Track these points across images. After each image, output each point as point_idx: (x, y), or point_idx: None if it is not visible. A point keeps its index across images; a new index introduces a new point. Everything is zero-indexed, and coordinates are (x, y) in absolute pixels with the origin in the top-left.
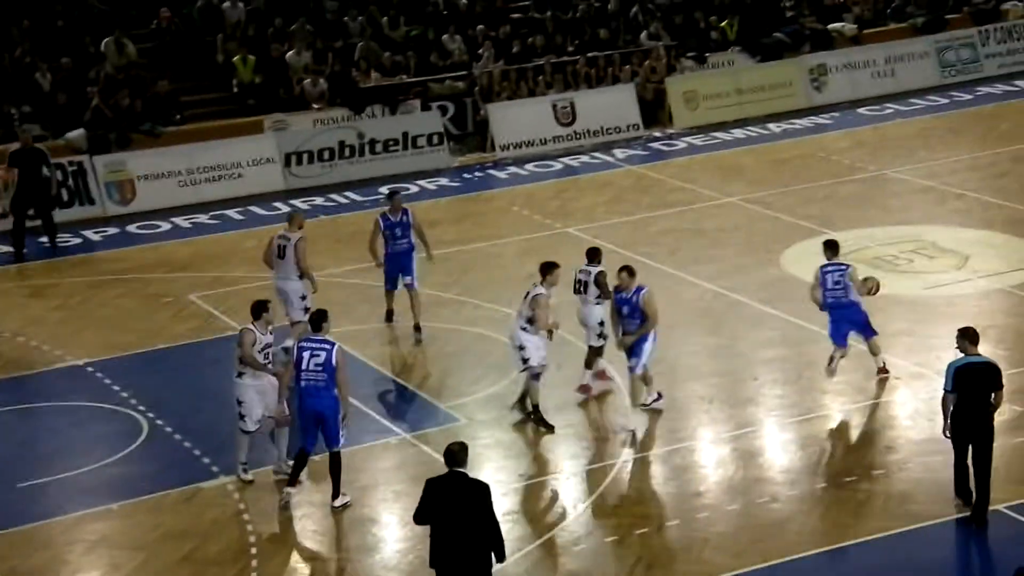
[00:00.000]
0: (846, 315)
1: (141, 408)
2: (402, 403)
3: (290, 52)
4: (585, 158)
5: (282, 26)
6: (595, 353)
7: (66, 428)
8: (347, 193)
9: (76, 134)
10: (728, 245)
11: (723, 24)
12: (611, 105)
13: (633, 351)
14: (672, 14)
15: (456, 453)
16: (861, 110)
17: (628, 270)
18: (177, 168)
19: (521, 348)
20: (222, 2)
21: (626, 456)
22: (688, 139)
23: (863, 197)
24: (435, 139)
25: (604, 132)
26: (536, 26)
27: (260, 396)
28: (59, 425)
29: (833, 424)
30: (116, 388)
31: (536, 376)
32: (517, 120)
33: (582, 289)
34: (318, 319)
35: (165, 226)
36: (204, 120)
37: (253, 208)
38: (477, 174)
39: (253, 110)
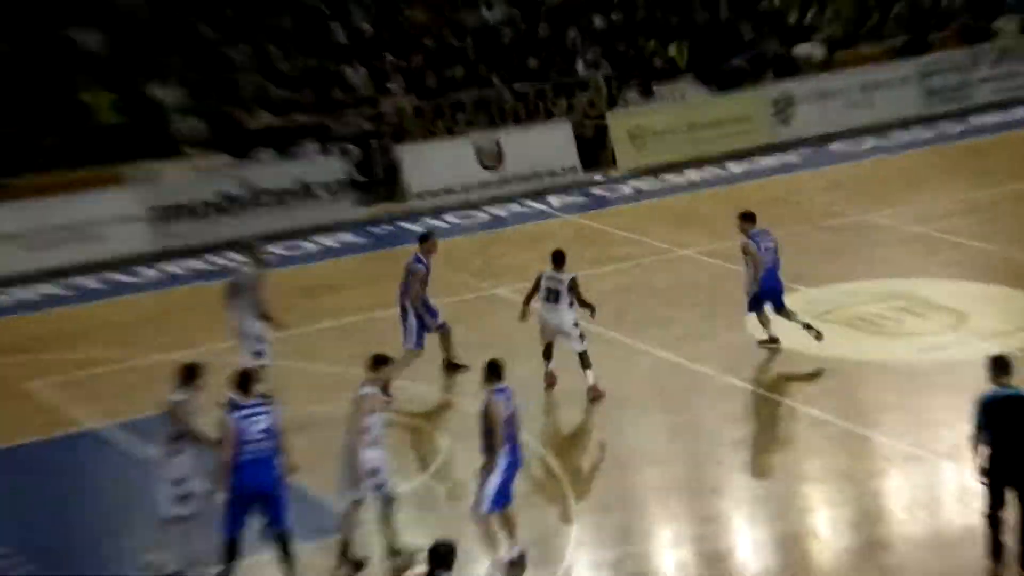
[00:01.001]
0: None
1: None
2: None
3: (160, 88)
4: (515, 207)
5: (150, 57)
6: (584, 358)
7: None
8: (232, 255)
9: None
10: (685, 306)
11: (671, 50)
12: (544, 145)
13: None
14: (613, 39)
15: (444, 556)
16: (835, 146)
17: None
18: (21, 228)
19: (374, 472)
20: (73, 28)
21: (568, 561)
22: (635, 183)
23: (841, 247)
24: (336, 188)
25: (536, 176)
26: (455, 55)
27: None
28: None
29: (815, 518)
30: None
31: (390, 502)
32: (434, 163)
33: (553, 298)
34: (245, 380)
35: (3, 299)
36: (54, 170)
37: (115, 275)
38: (387, 228)
39: (115, 157)
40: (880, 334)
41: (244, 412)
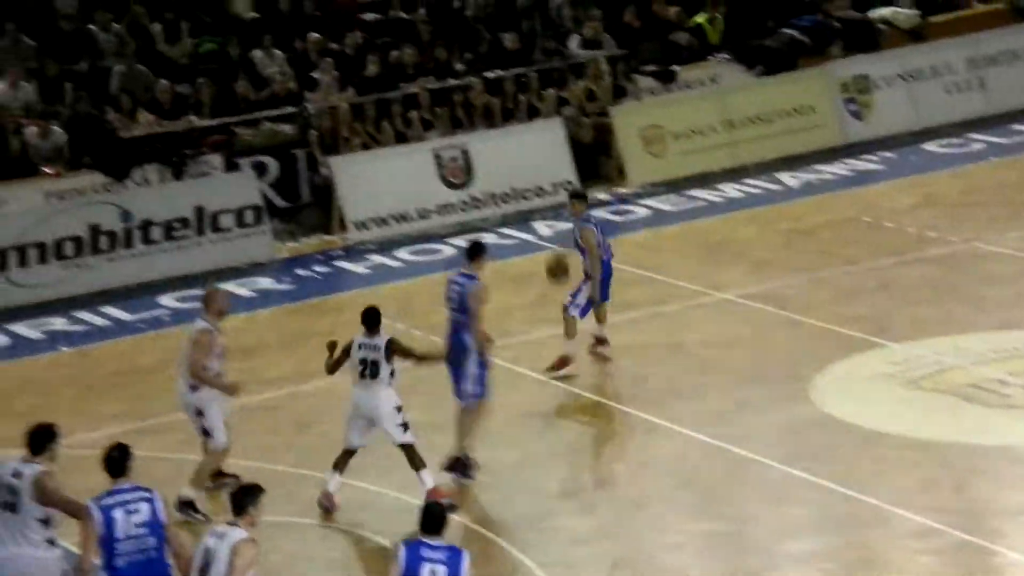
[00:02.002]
0: None
1: None
2: None
3: (1, 84)
4: (490, 237)
5: None
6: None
7: None
8: (105, 309)
9: None
10: (724, 369)
11: (700, 19)
12: (527, 153)
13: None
14: (619, 6)
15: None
16: (930, 146)
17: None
18: None
19: None
20: None
21: None
22: (651, 202)
23: (942, 287)
24: (249, 216)
25: (517, 196)
26: (404, 32)
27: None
28: None
29: None
30: None
31: None
32: (379, 181)
33: (370, 372)
34: (120, 458)
35: None
36: None
37: None
38: (318, 269)
39: None
40: (999, 407)
41: (113, 502)
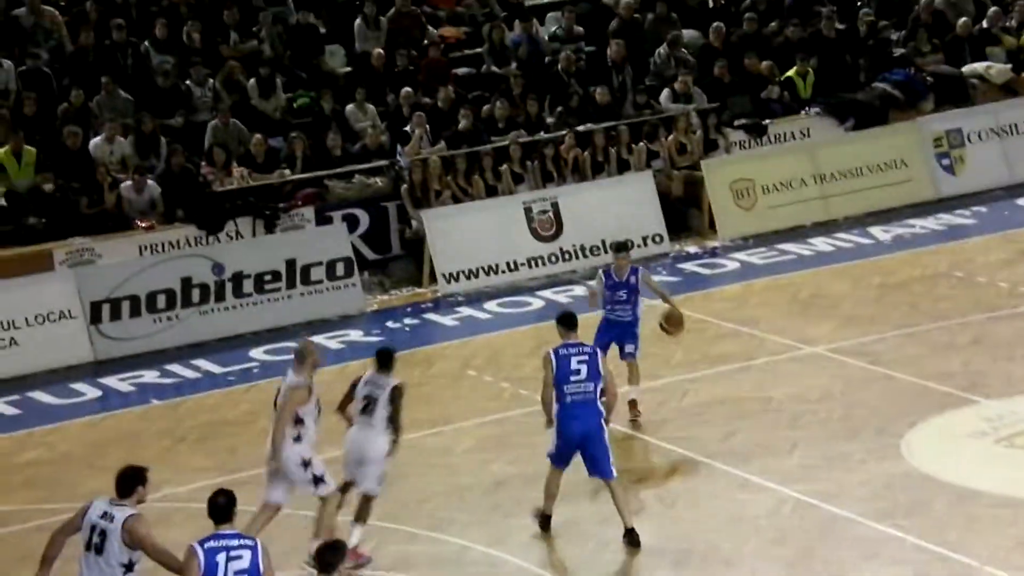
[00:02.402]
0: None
1: None
2: None
3: (96, 138)
4: (578, 290)
5: (80, 96)
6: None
7: None
8: (196, 362)
9: None
10: (815, 424)
11: (791, 73)
12: (617, 206)
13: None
14: (710, 60)
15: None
16: (1023, 201)
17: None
18: None
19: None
20: None
21: None
22: (741, 255)
23: None
24: (340, 269)
25: (607, 249)
26: (495, 85)
27: None
28: None
29: None
30: None
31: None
32: (469, 234)
33: (368, 409)
34: (227, 505)
35: None
36: None
37: (36, 394)
38: (408, 322)
39: (36, 234)
40: None
41: (218, 547)
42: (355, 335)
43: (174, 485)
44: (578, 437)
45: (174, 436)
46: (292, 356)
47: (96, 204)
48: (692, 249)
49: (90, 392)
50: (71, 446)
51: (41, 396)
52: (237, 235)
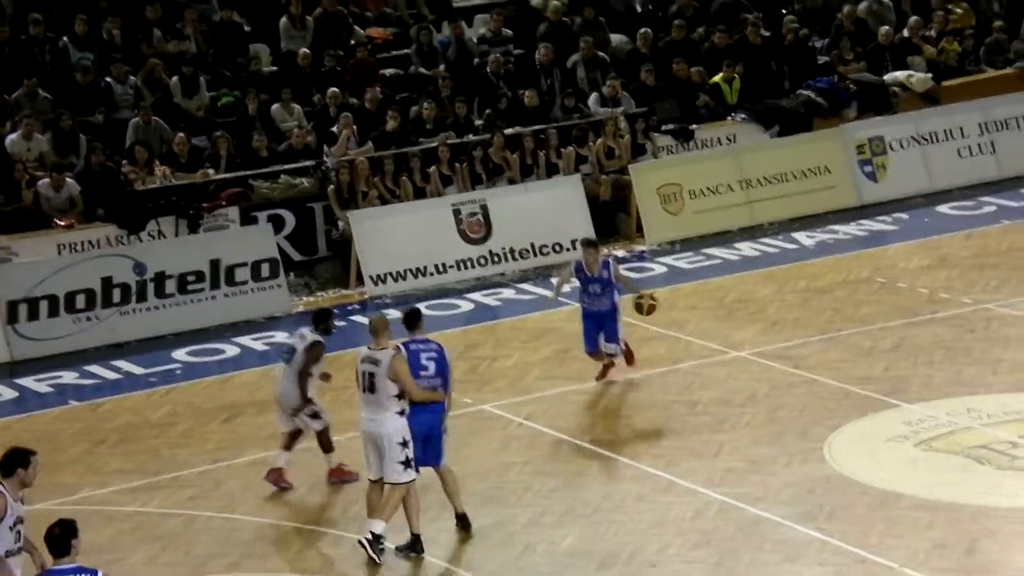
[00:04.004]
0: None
1: None
2: None
3: (13, 135)
4: (508, 293)
5: None
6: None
7: None
8: (119, 363)
9: None
10: (739, 427)
11: (717, 79)
12: (546, 210)
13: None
14: (637, 64)
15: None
16: (944, 208)
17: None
18: None
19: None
20: None
21: None
22: (668, 259)
23: (954, 346)
24: (265, 270)
25: (536, 252)
26: (422, 87)
27: None
28: None
29: None
30: None
31: None
32: (397, 236)
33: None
34: (63, 536)
35: None
36: None
37: None
38: (336, 324)
39: None
40: (1011, 469)
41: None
42: (281, 336)
43: (93, 488)
44: (424, 431)
45: (93, 438)
46: (368, 331)
47: (12, 201)
48: (620, 253)
49: (5, 393)
50: None
51: None
52: (159, 235)
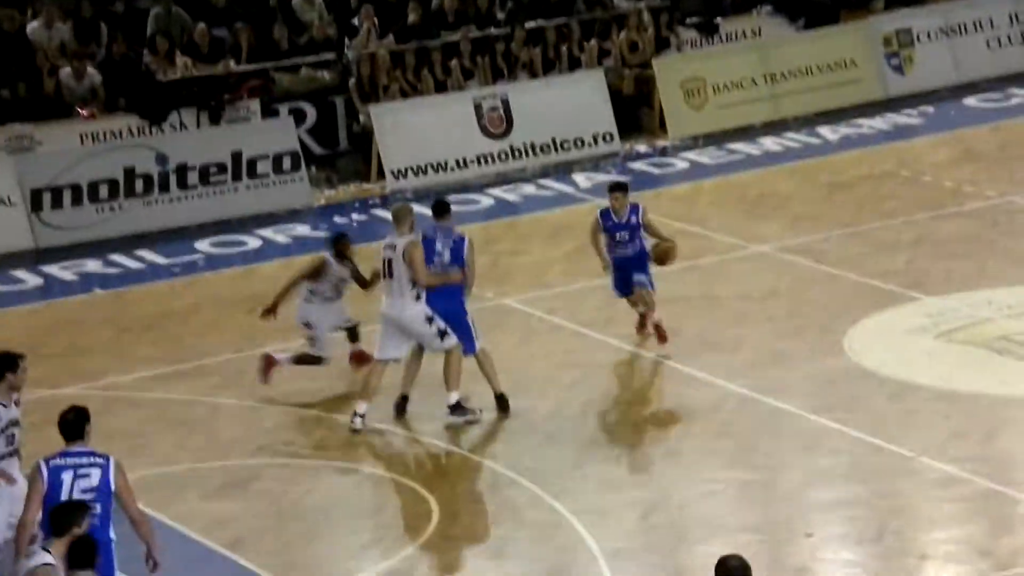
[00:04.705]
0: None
1: None
2: None
3: (34, 23)
4: (528, 188)
5: None
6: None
7: None
8: (140, 252)
9: None
10: (760, 321)
11: None
12: (568, 104)
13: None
14: None
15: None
16: (971, 100)
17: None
18: None
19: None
20: None
21: None
22: (691, 155)
23: (976, 240)
24: (286, 163)
25: (557, 147)
26: None
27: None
28: None
29: None
30: None
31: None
32: (418, 131)
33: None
34: (76, 421)
35: None
36: None
37: None
38: (357, 217)
39: None
40: None
41: (64, 464)
42: (302, 230)
43: (118, 374)
44: (446, 317)
45: (118, 326)
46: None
47: (35, 90)
48: (642, 148)
49: (31, 280)
50: (12, 333)
51: None
52: (181, 126)
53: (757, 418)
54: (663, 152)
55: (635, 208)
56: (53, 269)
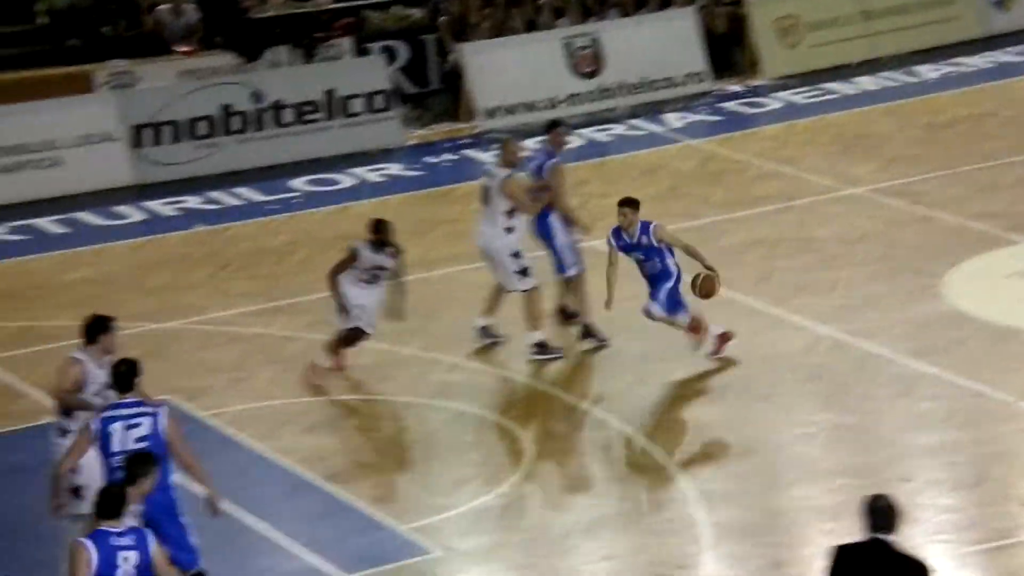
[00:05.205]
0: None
1: None
2: (332, 523)
3: None
4: (619, 128)
5: None
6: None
7: None
8: (238, 190)
9: None
10: (854, 264)
11: None
12: (659, 43)
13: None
14: None
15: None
16: None
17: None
18: None
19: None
20: None
21: None
22: (785, 95)
23: None
24: (378, 101)
25: (649, 86)
26: None
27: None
28: None
29: None
30: None
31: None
32: (509, 70)
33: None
34: (127, 373)
35: None
36: None
37: (81, 215)
38: (448, 157)
39: (75, 55)
40: None
41: (116, 415)
42: (395, 169)
43: (218, 309)
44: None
45: (218, 262)
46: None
47: (133, 27)
48: (735, 88)
49: (134, 215)
50: (117, 267)
51: (86, 217)
52: (276, 64)
53: (850, 362)
54: (756, 91)
55: (645, 227)
56: (154, 205)
